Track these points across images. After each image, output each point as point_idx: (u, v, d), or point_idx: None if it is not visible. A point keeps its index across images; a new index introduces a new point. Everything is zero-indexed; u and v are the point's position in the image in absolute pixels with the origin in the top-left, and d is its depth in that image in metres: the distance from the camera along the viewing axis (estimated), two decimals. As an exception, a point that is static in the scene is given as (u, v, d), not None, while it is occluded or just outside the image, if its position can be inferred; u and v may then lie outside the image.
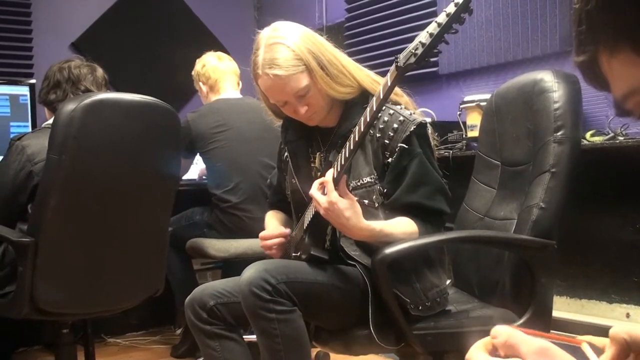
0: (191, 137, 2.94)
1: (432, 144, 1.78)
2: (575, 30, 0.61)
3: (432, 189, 1.71)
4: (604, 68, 0.59)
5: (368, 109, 1.56)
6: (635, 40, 0.55)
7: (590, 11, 0.57)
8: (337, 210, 1.56)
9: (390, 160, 1.71)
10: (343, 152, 1.60)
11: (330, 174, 1.59)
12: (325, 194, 1.58)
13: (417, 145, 1.70)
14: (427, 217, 1.70)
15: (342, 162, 1.59)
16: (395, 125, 1.70)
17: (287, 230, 1.91)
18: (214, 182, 2.98)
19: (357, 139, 1.57)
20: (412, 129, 1.69)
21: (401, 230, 1.66)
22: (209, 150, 2.96)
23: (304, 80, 1.71)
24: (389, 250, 1.60)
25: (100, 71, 2.38)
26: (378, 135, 1.71)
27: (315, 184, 1.62)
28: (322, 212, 1.60)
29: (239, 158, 2.94)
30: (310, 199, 1.79)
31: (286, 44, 1.71)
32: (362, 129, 1.56)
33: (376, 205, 1.72)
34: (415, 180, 1.69)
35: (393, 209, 1.70)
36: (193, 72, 3.20)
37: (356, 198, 1.68)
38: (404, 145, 1.68)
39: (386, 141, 1.70)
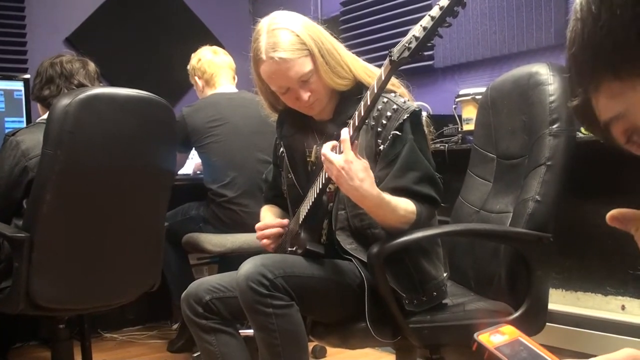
0: (186, 132, 2.93)
1: (425, 131, 1.76)
2: (567, 76, 0.62)
3: (419, 175, 1.67)
4: (595, 107, 0.60)
5: (362, 102, 1.55)
6: (614, 66, 0.55)
7: (575, 53, 0.58)
8: (352, 170, 1.50)
9: (382, 147, 1.69)
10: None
11: (346, 132, 1.55)
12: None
13: (410, 132, 1.68)
14: (418, 201, 1.67)
15: (352, 130, 1.56)
16: (389, 114, 1.69)
17: (286, 221, 1.90)
18: (210, 176, 2.97)
19: (351, 132, 1.56)
20: (405, 117, 1.67)
21: (403, 206, 1.62)
22: (205, 145, 2.95)
23: (308, 65, 1.69)
24: (385, 244, 1.60)
25: (92, 65, 2.37)
26: (372, 123, 1.70)
27: (328, 144, 1.57)
28: (334, 172, 1.53)
29: (235, 152, 2.93)
30: (306, 193, 1.79)
31: (289, 28, 1.70)
32: (356, 123, 1.55)
33: None
34: (404, 166, 1.66)
35: None
36: (188, 67, 3.19)
37: None
38: (397, 132, 1.67)
39: (379, 129, 1.69)
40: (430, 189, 1.68)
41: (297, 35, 1.69)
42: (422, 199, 1.67)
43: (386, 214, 1.61)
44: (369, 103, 1.53)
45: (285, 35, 1.69)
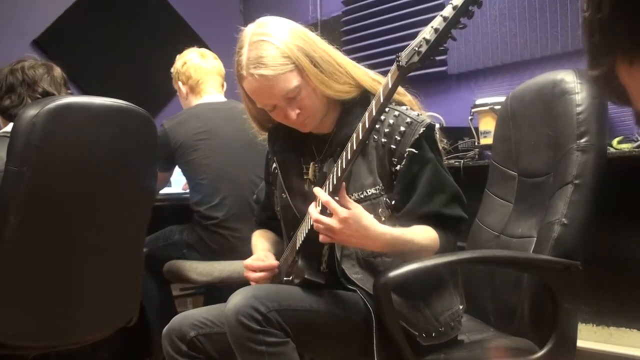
0: (169, 148, 2.93)
1: (439, 147, 1.79)
2: (587, 41, 0.60)
3: (449, 197, 1.72)
4: (623, 79, 0.59)
5: (367, 113, 1.56)
6: None
7: (604, 19, 0.57)
8: (353, 225, 1.54)
9: (398, 167, 1.71)
10: (340, 162, 1.59)
11: (321, 192, 1.57)
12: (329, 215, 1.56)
13: (429, 150, 1.71)
14: (447, 226, 1.71)
15: (339, 174, 1.58)
16: (403, 129, 1.70)
17: (275, 263, 1.90)
18: (197, 197, 2.97)
19: (355, 147, 1.56)
20: (421, 131, 1.69)
21: (422, 236, 1.66)
22: (190, 161, 2.95)
23: (293, 81, 1.71)
24: (393, 273, 1.60)
25: (57, 70, 2.38)
26: (383, 140, 1.71)
27: (312, 207, 1.60)
28: (337, 238, 1.58)
29: (224, 170, 2.93)
30: (303, 215, 1.79)
31: (272, 41, 1.71)
32: (360, 136, 1.56)
33: (382, 219, 1.71)
34: (431, 189, 1.70)
35: (408, 221, 1.69)
36: (172, 69, 3.18)
37: None
38: (414, 150, 1.69)
39: (393, 146, 1.71)
40: (460, 209, 1.74)
41: (280, 48, 1.70)
42: (452, 221, 1.72)
43: (403, 250, 1.64)
44: (374, 113, 1.53)
45: (267, 49, 1.70)
